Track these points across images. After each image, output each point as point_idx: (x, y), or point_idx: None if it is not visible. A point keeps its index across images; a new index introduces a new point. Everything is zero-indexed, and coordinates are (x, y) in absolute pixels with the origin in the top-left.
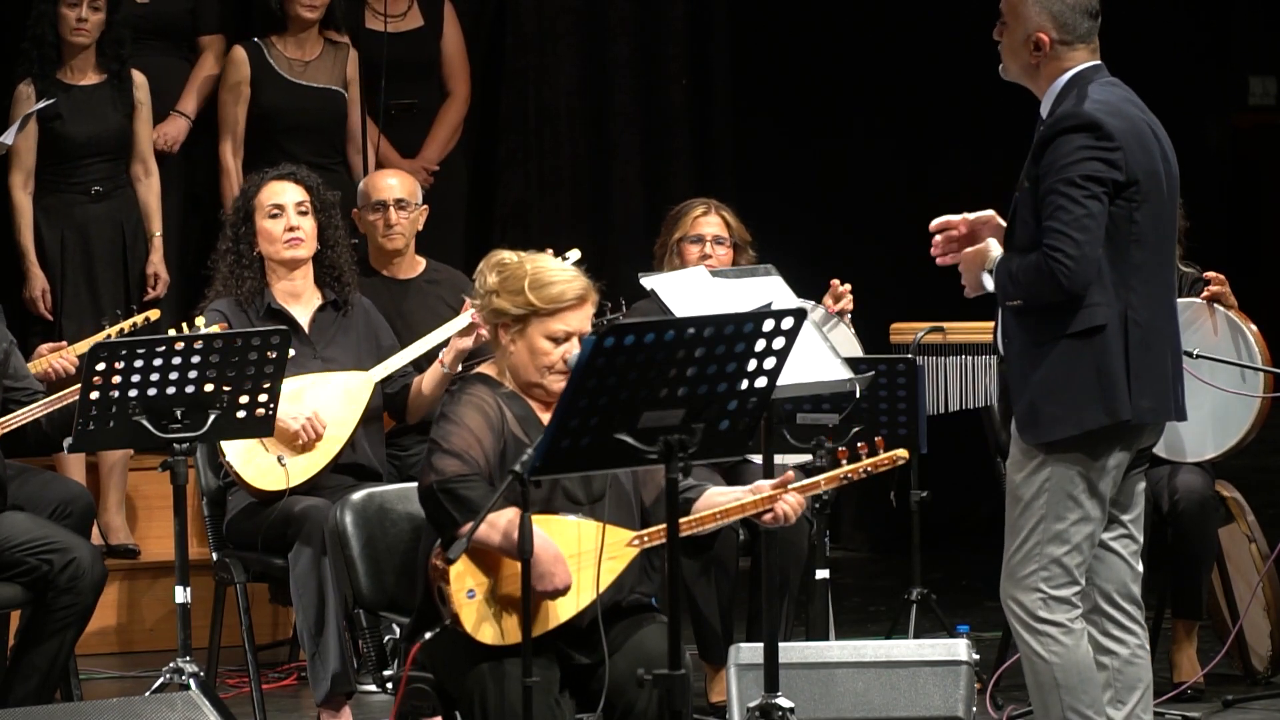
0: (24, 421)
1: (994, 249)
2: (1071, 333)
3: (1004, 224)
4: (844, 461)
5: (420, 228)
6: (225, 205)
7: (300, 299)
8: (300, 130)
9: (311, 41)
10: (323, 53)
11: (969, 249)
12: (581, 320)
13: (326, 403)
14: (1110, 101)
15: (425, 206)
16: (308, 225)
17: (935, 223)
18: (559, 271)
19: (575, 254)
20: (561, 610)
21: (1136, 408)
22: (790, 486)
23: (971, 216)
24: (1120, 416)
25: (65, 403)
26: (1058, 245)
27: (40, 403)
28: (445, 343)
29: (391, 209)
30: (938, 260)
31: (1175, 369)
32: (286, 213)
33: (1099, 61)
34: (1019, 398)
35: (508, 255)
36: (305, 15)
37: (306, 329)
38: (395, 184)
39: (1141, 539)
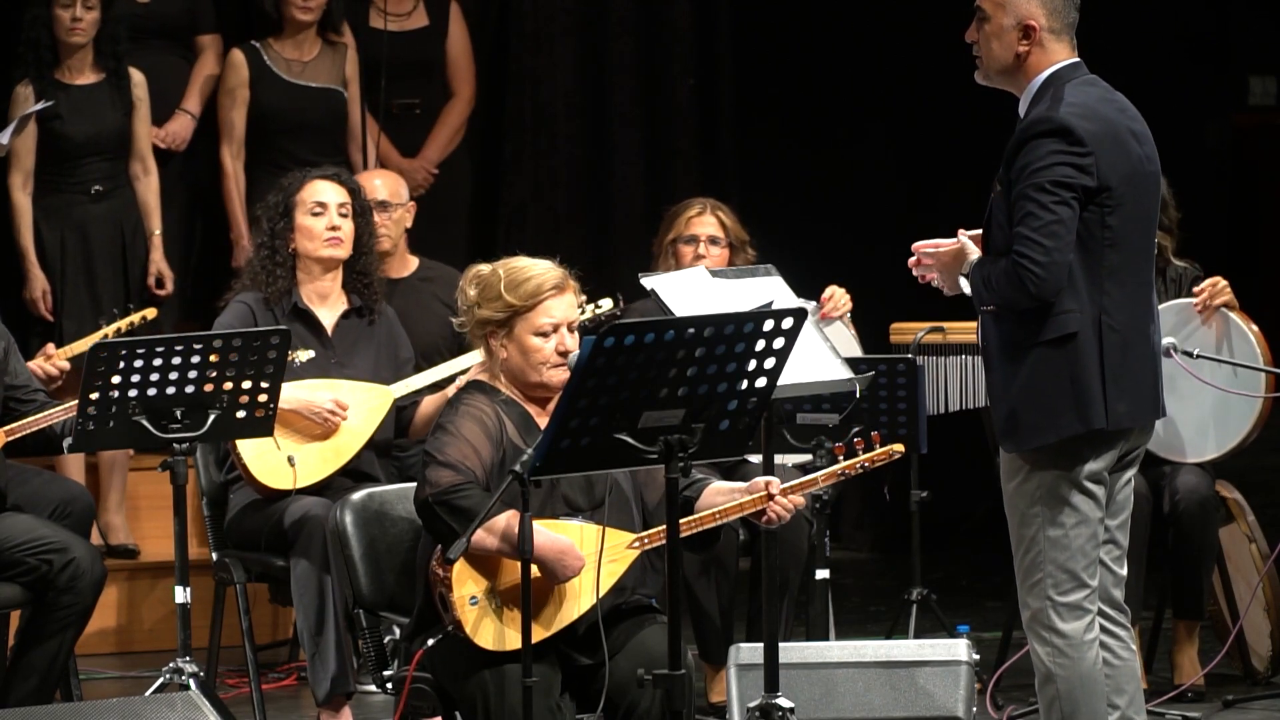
0: (38, 428)
1: (971, 251)
2: (1045, 340)
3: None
4: (841, 458)
5: (409, 225)
6: (228, 207)
7: (327, 301)
8: (300, 130)
9: (309, 42)
10: (320, 53)
11: (945, 249)
12: (565, 309)
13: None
14: (1085, 104)
15: (412, 204)
16: (347, 227)
17: (920, 245)
18: (532, 266)
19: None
20: (564, 613)
21: (1113, 413)
22: (787, 484)
23: (945, 247)
24: (1094, 424)
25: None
26: (1025, 252)
27: (55, 409)
28: (463, 371)
29: (373, 212)
30: (917, 277)
31: (1157, 367)
32: (329, 211)
33: (1078, 59)
34: (999, 405)
35: (483, 266)
36: (300, 18)
37: (330, 332)
38: (378, 185)
39: (1126, 543)
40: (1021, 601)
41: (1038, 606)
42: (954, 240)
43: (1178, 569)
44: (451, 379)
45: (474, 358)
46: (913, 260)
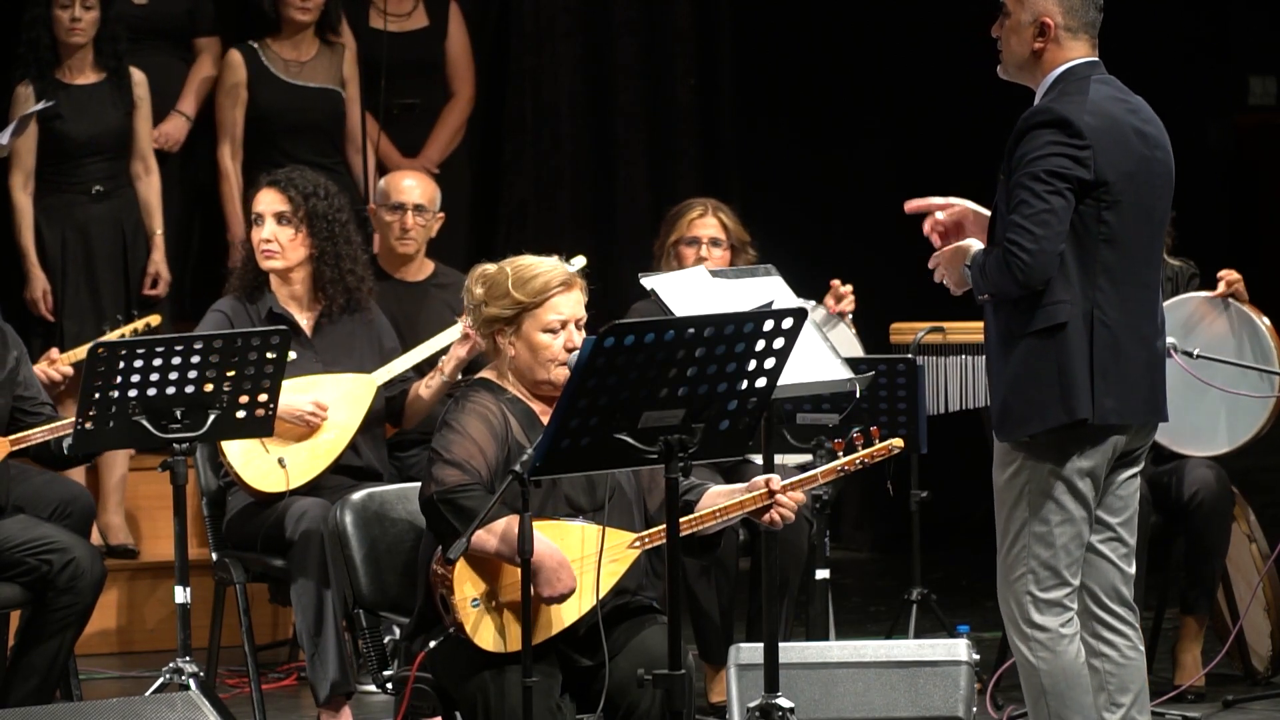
0: (42, 440)
1: (974, 245)
2: (1034, 330)
3: (981, 211)
4: (840, 454)
5: (434, 234)
6: (225, 208)
7: (301, 303)
8: (299, 130)
9: (307, 42)
10: (319, 53)
11: (948, 247)
12: (572, 306)
13: (329, 403)
14: (1092, 100)
15: (442, 214)
16: (285, 236)
17: (912, 205)
18: (540, 264)
19: (580, 260)
20: (564, 615)
21: (1099, 407)
22: (787, 481)
23: (944, 211)
24: (1078, 415)
25: None
26: (1015, 239)
27: (62, 423)
28: (445, 350)
29: (409, 213)
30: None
31: (1154, 370)
32: (265, 223)
33: (1096, 59)
34: (994, 394)
35: (489, 265)
36: (298, 18)
37: (309, 333)
38: (416, 189)
39: (1133, 541)
40: (1001, 596)
41: (1017, 601)
42: (950, 200)
43: (1190, 563)
44: (434, 359)
45: (452, 334)
46: (932, 262)
